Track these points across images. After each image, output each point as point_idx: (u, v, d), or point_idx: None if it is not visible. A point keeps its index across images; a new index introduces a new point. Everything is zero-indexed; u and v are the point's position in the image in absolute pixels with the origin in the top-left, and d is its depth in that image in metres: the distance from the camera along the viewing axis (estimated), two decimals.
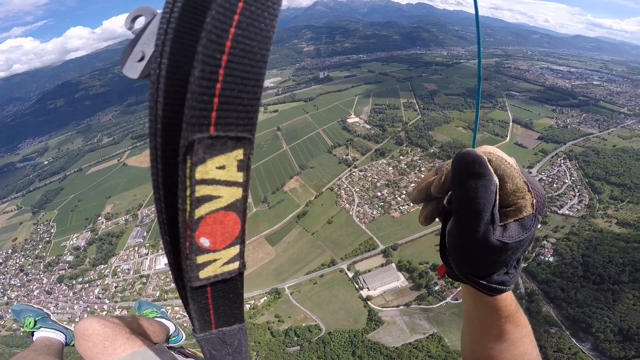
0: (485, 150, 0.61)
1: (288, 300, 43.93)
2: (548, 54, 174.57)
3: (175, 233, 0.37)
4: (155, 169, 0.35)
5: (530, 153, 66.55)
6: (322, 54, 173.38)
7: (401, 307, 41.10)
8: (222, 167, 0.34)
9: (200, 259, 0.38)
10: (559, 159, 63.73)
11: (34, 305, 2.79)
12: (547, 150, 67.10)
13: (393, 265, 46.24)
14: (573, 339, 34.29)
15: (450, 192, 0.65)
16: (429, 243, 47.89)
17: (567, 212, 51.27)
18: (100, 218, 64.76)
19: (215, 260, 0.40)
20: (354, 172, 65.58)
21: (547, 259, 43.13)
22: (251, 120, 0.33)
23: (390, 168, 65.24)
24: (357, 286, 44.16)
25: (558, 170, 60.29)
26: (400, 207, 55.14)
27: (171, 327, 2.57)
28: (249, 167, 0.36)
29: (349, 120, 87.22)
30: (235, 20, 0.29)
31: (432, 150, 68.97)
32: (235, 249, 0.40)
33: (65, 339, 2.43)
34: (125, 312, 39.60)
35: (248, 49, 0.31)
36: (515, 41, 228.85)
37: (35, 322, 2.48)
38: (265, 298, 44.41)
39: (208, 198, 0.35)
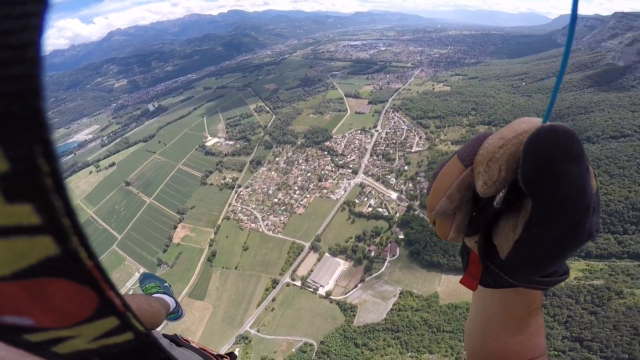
0: (555, 123, 0.44)
1: (260, 339, 40.79)
2: (343, 34, 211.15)
3: None
4: None
5: (370, 117, 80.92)
6: (141, 86, 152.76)
7: (359, 285, 43.84)
8: None
9: (36, 337, 0.26)
10: (390, 114, 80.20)
11: (159, 277, 2.90)
12: (379, 110, 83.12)
13: (327, 254, 48.74)
14: None
15: (505, 189, 0.50)
16: (339, 220, 53.12)
17: (417, 149, 65.74)
18: None
19: (73, 337, 0.28)
20: (240, 191, 63.67)
21: None
22: (14, 55, 0.18)
23: (272, 172, 66.62)
24: (311, 290, 44.76)
25: (394, 122, 76.07)
26: (301, 203, 57.78)
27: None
28: (45, 189, 0.19)
29: (208, 144, 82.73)
30: None
31: (299, 142, 74.16)
32: (109, 322, 0.28)
33: (176, 307, 2.53)
34: None
35: None
36: (317, 28, 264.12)
37: (157, 290, 2.59)
38: (237, 349, 39.79)
39: None
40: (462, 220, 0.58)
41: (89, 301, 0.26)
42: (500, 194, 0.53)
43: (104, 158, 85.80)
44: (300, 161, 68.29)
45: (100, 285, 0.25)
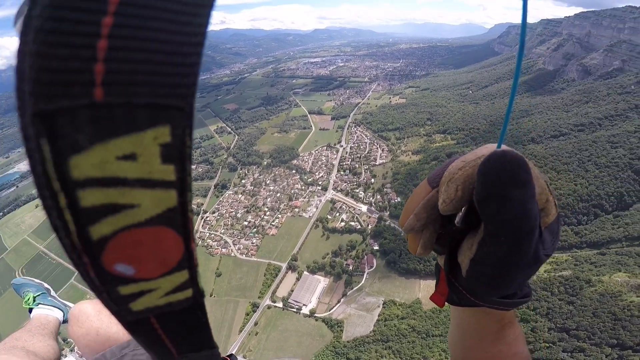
0: (506, 150, 0.48)
1: None
2: (304, 51, 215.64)
3: (77, 257, 0.26)
4: (33, 161, 0.22)
5: (333, 132, 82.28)
6: None
7: (341, 300, 43.22)
8: (129, 157, 0.22)
9: (126, 290, 0.28)
10: (352, 128, 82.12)
11: (35, 280, 2.62)
12: (341, 125, 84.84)
13: (306, 273, 47.67)
14: None
15: (464, 208, 0.54)
16: (314, 237, 52.75)
17: (381, 161, 67.41)
18: None
19: (151, 290, 0.29)
20: (207, 217, 60.76)
21: (396, 200, 54.95)
22: (185, 71, 0.22)
23: (239, 195, 64.52)
24: (294, 310, 43.35)
25: (357, 137, 77.87)
26: (272, 224, 56.35)
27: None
28: (185, 156, 0.24)
29: None
30: None
31: (266, 162, 72.99)
32: (182, 275, 0.30)
33: (64, 316, 2.34)
34: None
35: None
36: (277, 46, 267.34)
37: (35, 298, 2.35)
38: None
39: (111, 208, 0.23)
40: (429, 238, 0.60)
41: (177, 251, 0.28)
42: (460, 213, 0.57)
43: None
44: (268, 182, 67.01)
45: (190, 236, 0.28)
